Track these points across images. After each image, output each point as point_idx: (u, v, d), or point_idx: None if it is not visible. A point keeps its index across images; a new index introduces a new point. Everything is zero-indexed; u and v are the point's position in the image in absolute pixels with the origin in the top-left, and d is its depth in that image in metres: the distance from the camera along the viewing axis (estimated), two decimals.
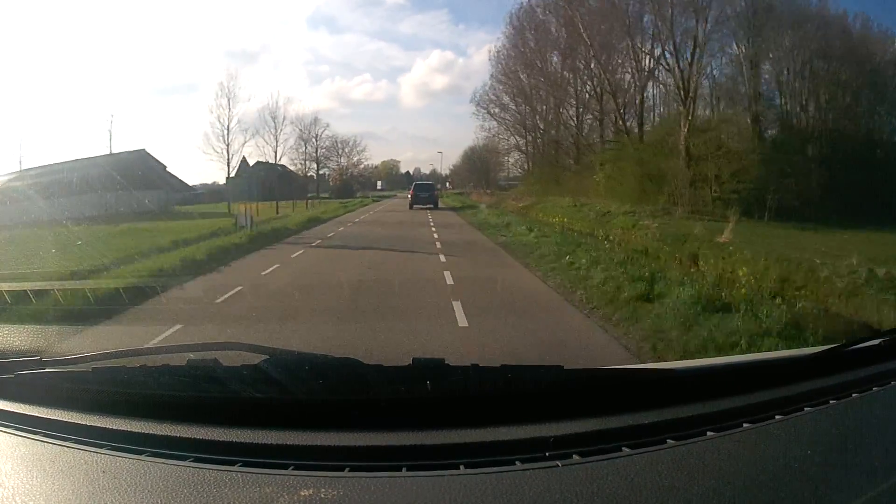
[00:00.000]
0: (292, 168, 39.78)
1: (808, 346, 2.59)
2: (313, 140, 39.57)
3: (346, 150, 45.95)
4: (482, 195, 37.81)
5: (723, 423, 1.01)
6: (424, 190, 30.15)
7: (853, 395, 1.13)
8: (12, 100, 47.31)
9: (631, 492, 0.83)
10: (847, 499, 0.82)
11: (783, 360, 1.42)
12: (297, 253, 10.98)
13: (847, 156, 18.72)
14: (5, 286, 5.78)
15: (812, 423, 1.05)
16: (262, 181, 34.82)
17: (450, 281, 7.31)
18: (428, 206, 28.16)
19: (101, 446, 0.98)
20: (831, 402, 1.10)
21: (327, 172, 46.54)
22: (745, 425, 1.01)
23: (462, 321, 5.09)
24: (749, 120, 19.98)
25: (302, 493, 0.83)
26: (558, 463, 0.90)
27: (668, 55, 20.84)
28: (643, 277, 6.54)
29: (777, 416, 1.05)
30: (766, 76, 20.76)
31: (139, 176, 25.26)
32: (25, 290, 5.52)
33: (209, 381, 1.09)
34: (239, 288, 6.76)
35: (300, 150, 38.61)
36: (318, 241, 13.34)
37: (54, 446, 0.99)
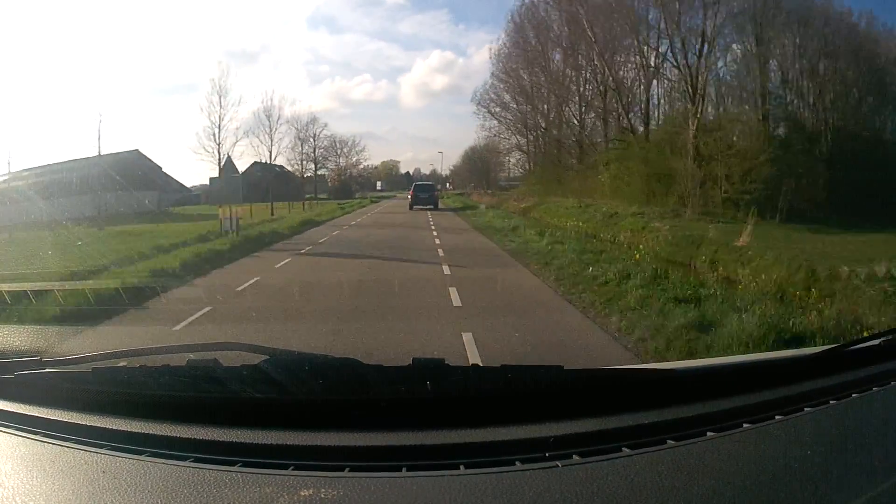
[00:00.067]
0: (290, 169, 39.88)
1: None
2: (311, 140, 39.64)
3: (345, 150, 46.16)
4: (483, 196, 37.88)
5: (723, 424, 1.03)
6: (424, 191, 30.28)
7: (853, 395, 1.15)
8: (2, 99, 47.46)
9: (631, 492, 0.85)
10: (847, 499, 0.83)
11: (783, 360, 1.44)
12: (282, 263, 10.09)
13: (855, 156, 18.67)
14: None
15: (812, 423, 1.07)
16: (258, 182, 34.86)
17: (457, 302, 6.23)
18: (428, 206, 28.28)
19: (101, 446, 0.99)
20: (831, 402, 1.12)
21: (326, 173, 46.67)
22: (745, 425, 1.03)
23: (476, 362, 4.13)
24: (759, 118, 19.94)
25: (302, 493, 0.84)
26: (558, 463, 0.91)
27: (675, 51, 20.81)
28: (687, 297, 5.88)
29: (777, 417, 1.06)
30: (772, 73, 20.78)
31: (132, 177, 25.29)
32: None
33: (209, 381, 1.11)
34: (207, 309, 5.97)
35: (297, 151, 38.68)
36: (308, 248, 12.50)
37: (54, 446, 1.01)
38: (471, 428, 1.02)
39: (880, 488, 0.84)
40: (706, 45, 19.72)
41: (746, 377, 1.24)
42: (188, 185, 40.23)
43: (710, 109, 20.68)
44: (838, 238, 13.25)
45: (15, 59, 50.32)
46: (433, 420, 1.03)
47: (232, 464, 0.93)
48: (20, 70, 50.85)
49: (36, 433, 1.05)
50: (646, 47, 22.61)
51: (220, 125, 28.18)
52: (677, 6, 20.37)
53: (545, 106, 30.39)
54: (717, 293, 6.27)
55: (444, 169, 57.81)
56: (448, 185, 54.56)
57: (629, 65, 24.27)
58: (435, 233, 15.62)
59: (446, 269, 8.70)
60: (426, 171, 59.31)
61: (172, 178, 36.35)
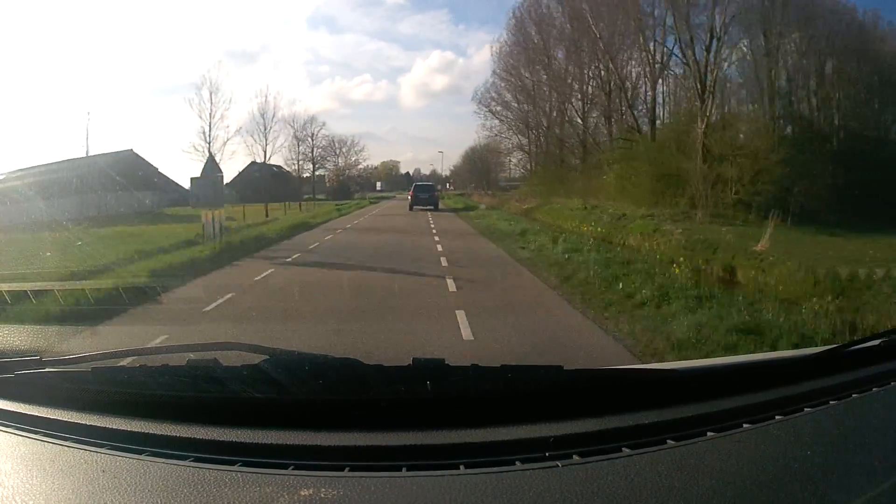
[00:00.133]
0: (288, 169, 39.93)
1: None
2: (309, 139, 39.74)
3: (344, 150, 46.18)
4: (483, 196, 37.98)
5: (723, 424, 1.05)
6: (425, 191, 30.50)
7: (853, 395, 1.17)
8: None
9: (631, 492, 0.86)
10: (847, 499, 0.85)
11: (783, 361, 1.46)
12: (262, 275, 8.94)
13: (863, 156, 18.59)
14: None
15: (812, 423, 1.09)
16: (256, 182, 34.85)
17: (466, 333, 5.19)
18: (428, 207, 28.51)
19: (101, 446, 1.01)
20: (831, 402, 1.14)
21: (325, 173, 46.74)
22: (745, 426, 1.05)
23: None
24: (772, 116, 19.86)
25: (302, 493, 0.86)
26: (558, 463, 0.93)
27: (683, 46, 20.76)
28: (748, 326, 5.10)
29: (777, 417, 1.09)
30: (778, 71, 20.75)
31: (126, 177, 25.28)
32: None
33: (209, 381, 1.13)
34: (163, 338, 5.14)
35: (293, 150, 38.74)
36: (296, 255, 11.60)
37: (54, 446, 1.03)
38: (471, 428, 1.03)
39: (880, 488, 0.86)
40: (715, 41, 19.68)
41: (746, 377, 1.26)
42: (186, 185, 40.21)
43: (714, 109, 20.66)
44: (857, 242, 12.92)
45: (14, 58, 50.42)
46: (433, 420, 1.05)
47: (232, 463, 0.95)
48: (20, 69, 50.95)
49: (36, 433, 1.07)
50: (652, 43, 22.65)
51: (210, 123, 27.93)
52: (686, 0, 20.39)
53: (547, 104, 30.52)
54: (778, 317, 5.43)
55: (445, 169, 57.98)
56: (448, 185, 54.69)
57: (632, 62, 24.37)
58: (437, 238, 14.74)
59: (451, 285, 7.59)
60: (426, 171, 59.50)
61: (169, 179, 36.43)
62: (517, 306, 6.52)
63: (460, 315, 5.66)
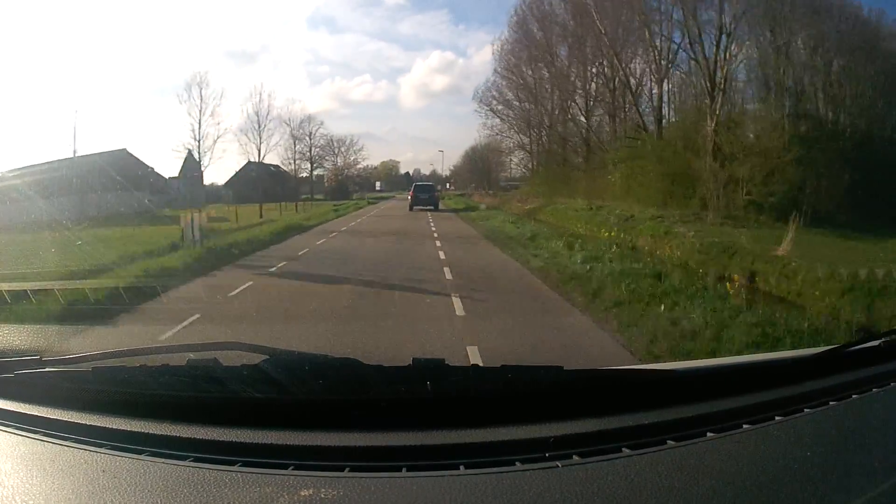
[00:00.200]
0: (285, 168, 39.95)
1: None
2: (306, 139, 39.76)
3: (343, 149, 46.18)
4: (484, 196, 38.04)
5: (723, 424, 1.07)
6: (425, 191, 30.68)
7: (853, 395, 1.20)
8: None
9: (631, 492, 0.89)
10: (847, 499, 0.87)
11: (783, 361, 1.48)
12: (238, 289, 7.88)
13: (873, 156, 18.49)
14: None
15: (812, 423, 1.12)
16: (253, 181, 34.85)
17: None
18: (428, 207, 28.72)
19: (101, 446, 1.03)
20: (831, 402, 1.17)
21: (323, 173, 46.79)
22: (745, 426, 1.08)
23: None
24: (784, 114, 19.75)
25: (302, 493, 0.88)
26: (558, 463, 0.96)
27: (692, 42, 20.73)
28: None
29: (777, 417, 1.11)
30: (788, 70, 20.73)
31: (119, 177, 25.25)
32: None
33: (209, 381, 1.15)
34: None
35: (289, 150, 38.75)
36: (282, 264, 10.57)
37: (54, 446, 1.05)
38: (471, 428, 1.06)
39: (880, 489, 0.88)
40: (724, 37, 19.62)
41: (746, 378, 1.28)
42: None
43: (723, 106, 20.60)
44: (876, 245, 12.59)
45: (14, 58, 50.46)
46: (433, 420, 1.07)
47: (232, 463, 0.97)
48: (19, 69, 50.97)
49: (36, 432, 1.09)
50: (659, 39, 22.65)
51: (200, 119, 27.38)
52: None
53: (549, 103, 30.54)
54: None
55: (445, 169, 58.03)
56: (448, 185, 54.77)
57: (637, 58, 24.38)
58: (438, 243, 13.58)
59: (458, 307, 6.41)
60: (426, 171, 59.52)
61: (168, 179, 36.45)
62: (547, 341, 5.30)
63: (472, 352, 4.57)
